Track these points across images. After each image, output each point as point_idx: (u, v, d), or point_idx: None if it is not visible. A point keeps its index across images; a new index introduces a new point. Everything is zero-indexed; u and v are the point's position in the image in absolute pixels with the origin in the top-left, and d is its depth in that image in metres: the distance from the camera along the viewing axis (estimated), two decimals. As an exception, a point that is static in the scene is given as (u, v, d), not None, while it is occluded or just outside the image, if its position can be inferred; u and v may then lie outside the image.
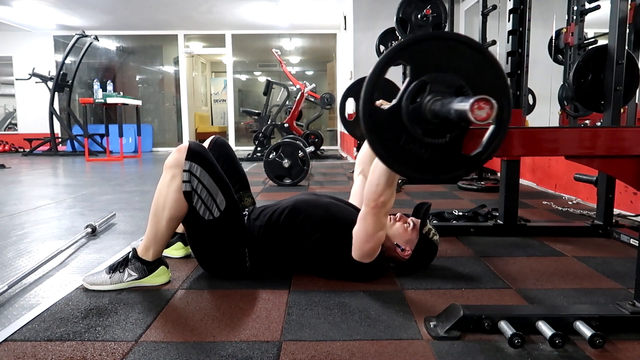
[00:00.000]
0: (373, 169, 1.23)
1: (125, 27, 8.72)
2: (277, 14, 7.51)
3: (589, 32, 3.74)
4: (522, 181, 3.41)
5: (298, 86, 6.66)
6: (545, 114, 4.26)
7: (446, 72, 0.89)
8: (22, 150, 8.45)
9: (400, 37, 2.68)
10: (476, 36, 3.93)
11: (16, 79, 8.72)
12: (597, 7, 3.38)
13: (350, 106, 2.01)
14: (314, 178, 4.36)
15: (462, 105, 0.77)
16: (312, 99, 6.90)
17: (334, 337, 1.09)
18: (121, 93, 7.29)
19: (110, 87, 6.70)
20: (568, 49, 3.59)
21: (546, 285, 1.44)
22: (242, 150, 8.25)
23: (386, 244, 1.49)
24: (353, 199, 1.69)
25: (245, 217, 1.50)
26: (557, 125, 4.05)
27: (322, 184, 3.99)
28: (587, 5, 3.43)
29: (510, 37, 1.98)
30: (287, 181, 3.78)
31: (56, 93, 7.30)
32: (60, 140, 7.79)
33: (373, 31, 4.15)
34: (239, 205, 1.46)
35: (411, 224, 1.51)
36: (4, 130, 9.64)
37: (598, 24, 3.71)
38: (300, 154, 3.80)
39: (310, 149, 5.51)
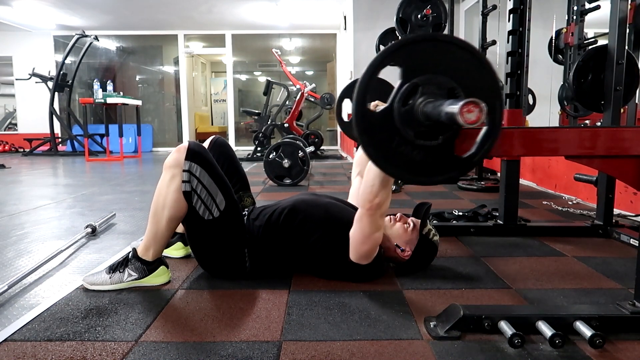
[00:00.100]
0: (368, 170, 1.23)
1: (125, 27, 8.72)
2: (277, 14, 7.51)
3: (589, 32, 3.75)
4: (522, 181, 3.41)
5: (298, 86, 6.66)
6: (545, 114, 4.26)
7: (438, 74, 0.88)
8: (22, 150, 8.45)
9: (400, 37, 2.68)
10: (476, 36, 3.94)
11: (16, 79, 8.72)
12: (597, 7, 3.38)
13: (348, 107, 2.02)
14: (314, 178, 4.36)
15: (452, 108, 0.78)
16: (312, 99, 6.90)
17: (334, 337, 1.09)
18: (121, 93, 7.29)
19: (110, 87, 6.70)
20: (568, 49, 3.60)
21: (546, 285, 1.44)
22: (242, 150, 8.25)
23: (386, 244, 1.49)
24: (351, 201, 1.69)
25: (245, 217, 1.50)
26: (557, 125, 4.05)
27: (322, 184, 3.99)
28: (587, 5, 3.44)
29: (510, 37, 1.98)
30: (287, 181, 3.78)
31: (56, 93, 7.30)
32: (60, 140, 7.80)
33: (373, 31, 4.15)
34: (239, 206, 1.46)
35: (411, 224, 1.51)
36: (4, 130, 9.65)
37: (598, 24, 3.71)
38: (300, 154, 3.80)
39: (310, 149, 5.51)
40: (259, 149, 6.50)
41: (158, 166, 5.69)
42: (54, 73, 7.62)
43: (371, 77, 0.87)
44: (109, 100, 6.33)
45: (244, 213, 1.52)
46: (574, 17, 3.52)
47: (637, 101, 2.26)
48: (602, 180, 2.08)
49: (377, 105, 0.92)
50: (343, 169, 5.22)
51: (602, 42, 2.63)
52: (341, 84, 8.29)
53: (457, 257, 1.75)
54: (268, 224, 1.45)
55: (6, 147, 8.75)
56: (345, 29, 7.04)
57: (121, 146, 6.62)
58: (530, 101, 3.85)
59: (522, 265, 1.64)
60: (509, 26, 1.99)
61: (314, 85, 6.77)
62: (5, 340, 1.08)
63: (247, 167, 5.35)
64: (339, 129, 8.77)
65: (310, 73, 10.88)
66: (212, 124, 11.44)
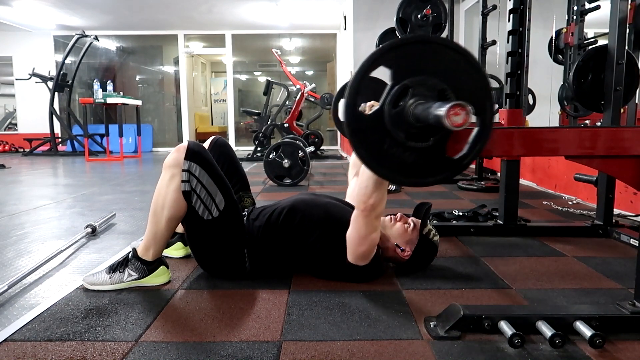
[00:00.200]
0: (361, 171, 1.23)
1: (125, 27, 8.72)
2: (277, 14, 7.51)
3: (589, 32, 3.75)
4: (522, 181, 3.41)
5: (298, 86, 6.66)
6: (545, 114, 4.26)
7: (429, 75, 0.88)
8: (22, 150, 8.45)
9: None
10: (476, 36, 3.94)
11: (16, 79, 8.72)
12: (597, 7, 3.38)
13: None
14: (314, 178, 4.36)
15: (439, 111, 0.78)
16: (312, 99, 6.90)
17: (334, 337, 1.09)
18: (121, 93, 7.29)
19: (110, 87, 6.70)
20: (568, 49, 3.60)
21: (546, 285, 1.44)
22: (242, 150, 8.25)
23: (386, 244, 1.49)
24: (349, 201, 1.69)
25: (245, 218, 1.50)
26: (557, 125, 4.05)
27: (322, 184, 3.99)
28: (587, 5, 3.44)
29: (510, 37, 1.98)
30: (287, 181, 3.78)
31: (56, 93, 7.30)
32: (60, 140, 7.79)
33: (373, 31, 4.15)
34: (238, 206, 1.46)
35: (411, 224, 1.51)
36: (4, 130, 9.65)
37: (598, 24, 3.71)
38: (300, 154, 3.80)
39: (310, 149, 5.51)
40: (259, 149, 6.49)
41: (158, 166, 5.69)
42: (54, 73, 7.62)
43: (361, 80, 0.87)
44: (109, 100, 6.33)
45: (243, 213, 1.52)
46: (574, 17, 3.52)
47: (637, 101, 2.26)
48: (602, 180, 2.08)
49: (372, 106, 0.92)
50: (343, 169, 5.22)
51: (602, 42, 2.63)
52: (341, 84, 8.29)
53: (457, 257, 1.75)
54: (267, 224, 1.45)
55: (6, 147, 8.75)
56: (345, 29, 7.04)
57: (121, 146, 6.62)
58: (530, 101, 3.86)
59: (522, 265, 1.64)
60: (509, 26, 1.99)
61: (314, 85, 6.77)
62: (5, 340, 1.08)
63: (247, 167, 5.36)
64: (339, 129, 8.76)
65: (310, 73, 10.87)
66: (212, 124, 11.44)
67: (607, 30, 1.87)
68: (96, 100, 6.25)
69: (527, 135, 1.08)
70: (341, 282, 1.43)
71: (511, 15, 1.98)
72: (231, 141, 9.00)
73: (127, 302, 1.30)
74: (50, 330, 1.13)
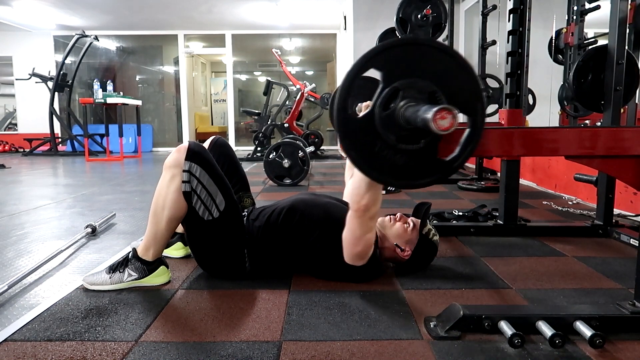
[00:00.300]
0: (354, 172, 1.23)
1: (125, 27, 8.72)
2: (277, 14, 7.51)
3: (589, 32, 3.75)
4: (522, 181, 3.41)
5: (298, 86, 6.66)
6: (545, 114, 4.26)
7: (419, 77, 0.88)
8: (22, 150, 8.45)
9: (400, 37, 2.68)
10: (476, 36, 3.94)
11: (16, 79, 8.71)
12: (597, 7, 3.38)
13: None
14: (314, 178, 4.36)
15: (425, 115, 0.78)
16: (312, 99, 6.90)
17: (334, 337, 1.09)
18: (121, 93, 7.29)
19: (110, 87, 6.70)
20: (568, 49, 3.60)
21: (546, 285, 1.44)
22: (242, 150, 8.25)
23: (385, 244, 1.49)
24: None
25: (245, 218, 1.50)
26: (557, 125, 4.05)
27: (322, 184, 3.99)
28: (587, 5, 3.44)
29: (510, 37, 1.98)
30: (287, 181, 3.78)
31: (56, 93, 7.30)
32: (60, 140, 7.79)
33: (373, 31, 4.15)
34: (239, 206, 1.46)
35: (411, 224, 1.51)
36: (4, 130, 9.64)
37: (598, 24, 3.71)
38: (300, 154, 3.80)
39: (310, 149, 5.51)
40: (259, 149, 6.49)
41: (158, 166, 5.69)
42: (54, 73, 7.62)
43: (351, 82, 0.87)
44: (109, 100, 6.32)
45: (243, 213, 1.52)
46: (574, 17, 3.52)
47: (637, 101, 2.26)
48: (602, 180, 2.08)
49: (368, 107, 0.92)
50: (343, 169, 5.20)
51: (602, 42, 2.63)
52: (341, 84, 8.27)
53: (457, 257, 1.75)
54: (267, 224, 1.45)
55: (6, 147, 8.75)
56: (345, 29, 7.04)
57: (121, 146, 6.62)
58: (530, 101, 3.86)
59: (522, 265, 1.64)
60: (509, 26, 1.99)
61: (314, 85, 6.77)
62: (5, 340, 1.08)
63: (247, 167, 5.36)
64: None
65: (310, 73, 10.87)
66: (212, 124, 11.44)
67: (607, 30, 1.87)
68: (96, 100, 6.25)
69: (527, 135, 1.08)
70: (341, 282, 1.43)
71: (511, 15, 1.98)
72: (231, 141, 9.00)
73: (127, 302, 1.30)
74: (50, 330, 1.13)
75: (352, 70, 0.87)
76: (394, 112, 0.88)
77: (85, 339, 1.08)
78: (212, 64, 11.74)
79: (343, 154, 0.94)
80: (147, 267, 1.40)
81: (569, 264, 1.66)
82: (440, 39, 2.74)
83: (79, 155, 7.25)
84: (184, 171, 1.33)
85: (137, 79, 9.88)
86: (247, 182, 1.76)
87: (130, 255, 1.42)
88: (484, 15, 3.70)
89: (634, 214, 2.38)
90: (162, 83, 9.89)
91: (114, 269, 1.40)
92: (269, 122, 6.69)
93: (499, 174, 3.67)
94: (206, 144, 1.66)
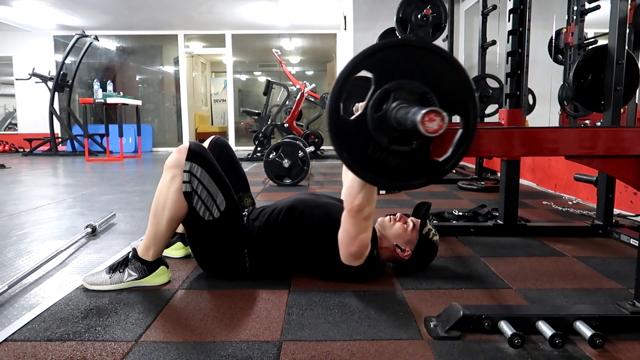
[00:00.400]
0: (348, 172, 1.23)
1: (125, 27, 8.72)
2: (277, 14, 7.51)
3: (589, 32, 3.74)
4: (522, 181, 3.41)
5: (298, 86, 6.66)
6: (545, 114, 4.26)
7: (410, 79, 0.88)
8: (22, 150, 8.44)
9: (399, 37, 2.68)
10: (476, 36, 3.94)
11: (16, 79, 8.71)
12: (597, 7, 3.38)
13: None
14: (314, 178, 4.36)
15: (414, 117, 0.78)
16: (312, 99, 6.90)
17: (334, 337, 1.09)
18: (121, 93, 7.29)
19: (110, 87, 6.70)
20: (568, 49, 3.59)
21: (546, 285, 1.44)
22: (242, 150, 8.25)
23: (385, 244, 1.49)
24: None
25: (245, 218, 1.50)
26: (557, 125, 4.05)
27: (322, 184, 3.99)
28: (587, 5, 3.44)
29: (510, 37, 1.98)
30: (287, 181, 3.78)
31: (56, 93, 7.30)
32: (60, 140, 7.79)
33: (373, 31, 4.15)
34: (239, 206, 1.46)
35: (411, 224, 1.51)
36: (4, 130, 9.64)
37: (598, 24, 3.71)
38: (300, 154, 3.80)
39: (310, 149, 5.51)
40: (259, 149, 6.49)
41: (158, 166, 5.69)
42: (54, 73, 7.62)
43: (343, 85, 0.87)
44: (109, 100, 6.32)
45: (243, 213, 1.52)
46: (574, 17, 3.52)
47: (637, 101, 2.26)
48: (602, 180, 2.08)
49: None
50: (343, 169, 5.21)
51: (602, 42, 2.63)
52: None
53: (457, 257, 1.75)
54: (267, 223, 1.45)
55: (6, 147, 8.74)
56: (345, 29, 7.04)
57: (121, 146, 6.62)
58: (530, 101, 3.85)
59: (522, 265, 1.64)
60: (509, 26, 1.99)
61: (314, 85, 6.76)
62: (5, 340, 1.08)
63: (247, 167, 5.36)
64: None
65: (310, 73, 10.87)
66: (212, 124, 11.44)
67: (607, 30, 1.87)
68: (96, 100, 6.25)
69: (527, 135, 1.08)
70: (341, 282, 1.43)
71: (511, 15, 1.98)
72: (231, 141, 9.00)
73: (127, 302, 1.30)
74: (50, 330, 1.13)
75: (344, 73, 0.87)
76: (385, 113, 0.88)
77: (85, 339, 1.08)
78: (212, 64, 11.74)
79: None
80: (147, 267, 1.40)
81: (569, 264, 1.66)
82: (440, 39, 2.74)
83: (79, 155, 7.25)
84: (184, 171, 1.34)
85: (137, 79, 9.88)
86: (247, 182, 1.76)
87: (130, 255, 1.42)
88: (484, 15, 3.70)
89: (634, 214, 2.38)
90: (162, 83, 9.88)
91: (114, 269, 1.40)
92: (269, 122, 6.69)
93: (499, 174, 3.67)
94: (206, 144, 1.66)
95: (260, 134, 6.56)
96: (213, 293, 1.38)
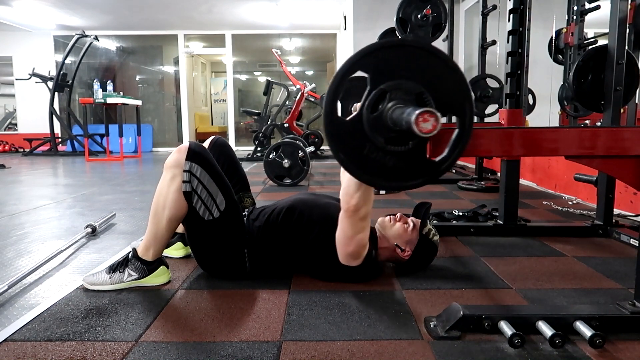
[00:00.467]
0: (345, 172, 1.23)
1: (125, 27, 8.72)
2: (277, 14, 7.51)
3: (589, 32, 3.74)
4: (522, 181, 3.41)
5: (298, 86, 6.66)
6: (545, 114, 4.26)
7: (406, 79, 0.88)
8: (22, 150, 8.44)
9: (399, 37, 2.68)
10: (476, 36, 3.94)
11: (16, 79, 8.71)
12: (597, 7, 3.38)
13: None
14: (314, 178, 4.36)
15: (408, 118, 0.78)
16: (312, 99, 6.90)
17: (334, 337, 1.09)
18: (121, 93, 7.29)
19: (110, 87, 6.70)
20: (568, 49, 3.59)
21: (546, 285, 1.44)
22: (242, 150, 8.25)
23: (386, 244, 1.49)
24: None
25: (245, 218, 1.50)
26: (557, 125, 4.04)
27: (322, 184, 3.99)
28: (587, 5, 3.44)
29: (510, 37, 1.98)
30: (287, 181, 3.78)
31: (56, 93, 7.30)
32: (60, 140, 7.79)
33: (373, 31, 4.15)
34: (239, 206, 1.46)
35: (411, 224, 1.51)
36: (4, 130, 9.64)
37: (598, 24, 3.71)
38: (300, 154, 3.80)
39: (310, 149, 5.51)
40: (259, 149, 6.49)
41: (158, 166, 5.69)
42: (54, 73, 7.62)
43: (338, 86, 0.87)
44: (109, 100, 6.32)
45: (243, 213, 1.52)
46: (574, 17, 3.52)
47: (637, 101, 2.26)
48: (602, 180, 2.08)
49: None
50: (343, 169, 5.20)
51: (602, 42, 2.63)
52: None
53: (457, 257, 1.75)
54: (267, 223, 1.45)
55: (6, 147, 8.74)
56: (345, 29, 7.04)
57: (121, 146, 6.62)
58: (530, 101, 3.85)
59: (522, 265, 1.64)
60: (509, 26, 1.99)
61: (314, 85, 6.77)
62: (5, 340, 1.08)
63: (247, 167, 5.36)
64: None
65: (310, 73, 10.87)
66: (212, 124, 11.44)
67: (607, 30, 1.87)
68: (96, 100, 6.25)
69: (527, 135, 1.08)
70: (341, 283, 1.43)
71: (511, 15, 1.98)
72: (231, 141, 9.00)
73: (127, 302, 1.30)
74: (50, 330, 1.13)
75: (339, 73, 0.87)
76: (381, 114, 0.88)
77: (85, 339, 1.08)
78: (212, 64, 11.74)
79: None
80: (147, 267, 1.40)
81: (569, 264, 1.66)
82: (440, 39, 2.74)
83: (79, 155, 7.25)
84: (184, 171, 1.34)
85: (137, 79, 9.88)
86: (247, 182, 1.77)
87: (130, 255, 1.42)
88: (484, 15, 3.70)
89: (634, 214, 2.38)
90: (162, 83, 9.88)
91: (114, 269, 1.40)
92: (269, 122, 6.70)
93: (499, 174, 3.67)
94: (206, 144, 1.66)
95: (260, 134, 6.57)
96: (213, 293, 1.38)
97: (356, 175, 0.94)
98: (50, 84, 7.30)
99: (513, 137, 1.08)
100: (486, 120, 3.87)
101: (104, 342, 1.07)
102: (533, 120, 4.05)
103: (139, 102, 7.12)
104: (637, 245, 1.79)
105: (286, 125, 6.64)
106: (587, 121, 3.84)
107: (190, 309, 1.26)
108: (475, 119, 3.76)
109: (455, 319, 1.10)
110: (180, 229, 1.61)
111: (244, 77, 11.07)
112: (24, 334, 1.11)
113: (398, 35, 2.57)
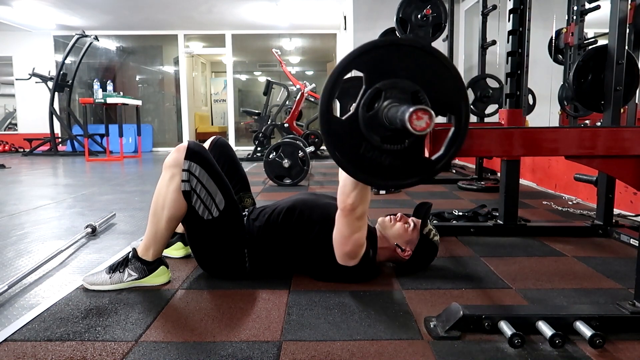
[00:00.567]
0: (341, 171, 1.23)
1: (125, 27, 8.71)
2: (277, 14, 7.51)
3: (589, 32, 3.75)
4: (522, 181, 3.41)
5: (298, 86, 6.66)
6: (545, 114, 4.26)
7: (401, 78, 0.88)
8: (22, 150, 8.44)
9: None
10: (476, 36, 3.94)
11: (16, 79, 8.71)
12: (597, 7, 3.38)
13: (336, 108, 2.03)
14: (314, 178, 4.36)
15: (402, 116, 0.78)
16: (312, 99, 6.90)
17: (334, 337, 1.09)
18: (121, 93, 7.29)
19: (110, 87, 6.70)
20: (568, 49, 3.59)
21: (546, 285, 1.43)
22: (242, 150, 8.25)
23: (386, 244, 1.49)
24: None
25: (245, 218, 1.50)
26: (557, 125, 4.04)
27: (322, 184, 3.99)
28: (587, 5, 3.43)
29: (510, 37, 1.98)
30: (287, 181, 3.78)
31: (56, 93, 7.30)
32: (60, 140, 7.79)
33: (373, 31, 4.15)
34: (238, 206, 1.46)
35: (411, 224, 1.51)
36: (4, 130, 9.64)
37: (598, 24, 3.71)
38: (300, 154, 3.80)
39: (310, 149, 5.51)
40: (259, 149, 6.49)
41: (158, 166, 5.69)
42: (54, 73, 7.62)
43: (334, 85, 0.87)
44: (109, 100, 6.32)
45: (244, 213, 1.52)
46: (574, 17, 3.52)
47: (637, 101, 2.26)
48: (602, 180, 2.08)
49: None
50: (343, 169, 5.20)
51: (602, 42, 2.63)
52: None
53: (457, 257, 1.75)
54: (267, 223, 1.45)
55: (6, 147, 8.74)
56: (345, 29, 7.04)
57: (121, 146, 6.62)
58: (530, 101, 3.85)
59: (522, 265, 1.64)
60: (509, 26, 1.99)
61: (314, 85, 6.76)
62: (5, 340, 1.08)
63: (247, 167, 5.35)
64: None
65: (310, 73, 10.88)
66: (212, 124, 11.44)
67: (607, 30, 1.87)
68: (96, 100, 6.25)
69: (527, 135, 1.08)
70: (341, 283, 1.43)
71: (511, 15, 1.98)
72: (231, 141, 9.00)
73: (127, 302, 1.30)
74: (50, 330, 1.13)
75: (335, 73, 0.87)
76: (377, 112, 0.88)
77: (85, 339, 1.08)
78: (212, 64, 11.74)
79: None
80: (147, 267, 1.40)
81: (569, 264, 1.66)
82: (440, 39, 2.74)
83: (79, 155, 7.25)
84: (183, 170, 1.34)
85: (137, 79, 9.88)
86: (248, 182, 1.76)
87: (130, 255, 1.42)
88: (484, 15, 3.70)
89: (634, 214, 2.38)
90: (162, 83, 9.88)
91: (114, 269, 1.40)
92: (269, 122, 6.69)
93: (499, 174, 3.67)
94: (207, 144, 1.66)
95: (260, 134, 6.56)
96: (213, 293, 1.38)
97: (352, 174, 0.94)
98: (50, 84, 7.30)
99: (513, 137, 1.08)
100: (486, 120, 3.87)
101: (104, 342, 1.07)
102: (533, 120, 4.05)
103: (139, 102, 7.12)
104: (637, 245, 1.79)
105: (286, 125, 6.64)
106: (587, 121, 3.84)
107: (190, 309, 1.26)
108: (476, 119, 3.77)
109: (455, 319, 1.10)
110: (180, 229, 1.61)
111: (244, 77, 11.08)
112: (24, 334, 1.11)
113: (398, 35, 2.57)
